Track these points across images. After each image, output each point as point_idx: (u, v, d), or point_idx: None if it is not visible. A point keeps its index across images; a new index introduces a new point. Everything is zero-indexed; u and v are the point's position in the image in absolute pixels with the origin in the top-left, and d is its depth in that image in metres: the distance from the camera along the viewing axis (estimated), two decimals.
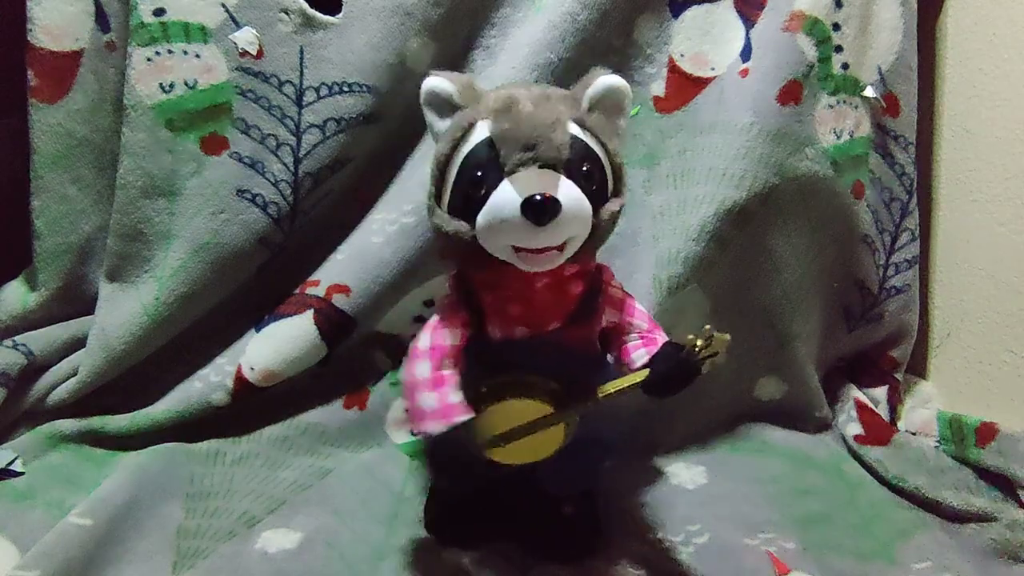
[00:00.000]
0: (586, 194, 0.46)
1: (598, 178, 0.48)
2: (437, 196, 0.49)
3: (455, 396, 0.48)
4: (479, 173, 0.46)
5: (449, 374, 0.49)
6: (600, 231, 0.49)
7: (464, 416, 0.47)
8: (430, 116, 0.50)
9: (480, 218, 0.46)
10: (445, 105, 0.49)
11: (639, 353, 0.52)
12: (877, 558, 0.60)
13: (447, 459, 0.48)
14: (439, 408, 0.48)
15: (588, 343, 0.54)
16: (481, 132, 0.47)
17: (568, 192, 0.45)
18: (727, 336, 0.48)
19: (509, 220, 0.44)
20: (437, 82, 0.49)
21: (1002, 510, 0.63)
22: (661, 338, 0.53)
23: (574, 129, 0.47)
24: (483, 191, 0.46)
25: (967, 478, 0.68)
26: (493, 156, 0.46)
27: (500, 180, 0.45)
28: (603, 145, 0.49)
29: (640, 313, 0.54)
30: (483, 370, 0.51)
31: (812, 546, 0.60)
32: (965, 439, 0.70)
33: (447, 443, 0.49)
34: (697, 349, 0.47)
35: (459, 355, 0.51)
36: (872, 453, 0.72)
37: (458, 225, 0.47)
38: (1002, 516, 0.62)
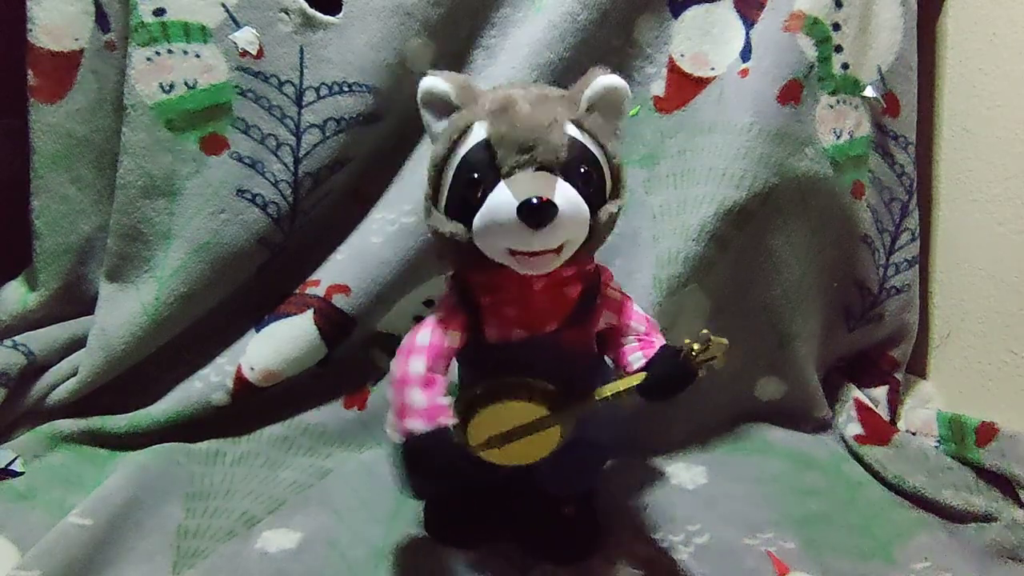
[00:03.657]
0: (584, 196, 0.46)
1: (596, 180, 0.48)
2: (434, 197, 0.49)
3: (444, 399, 0.48)
4: (475, 175, 0.46)
5: (440, 377, 0.49)
6: (598, 233, 0.48)
7: (450, 420, 0.47)
8: (427, 116, 0.50)
9: (477, 220, 0.46)
10: (442, 105, 0.49)
11: (636, 356, 0.52)
12: (877, 558, 0.60)
13: (426, 461, 0.48)
14: (428, 408, 0.47)
15: (585, 345, 0.53)
16: (478, 133, 0.46)
17: (565, 195, 0.44)
18: (724, 340, 0.48)
19: (505, 223, 0.44)
20: (434, 82, 0.48)
21: (1002, 510, 0.63)
22: (658, 341, 0.53)
23: (572, 130, 0.47)
24: (480, 193, 0.45)
25: (967, 478, 0.68)
26: (490, 158, 0.45)
27: (497, 182, 0.45)
28: (601, 147, 0.48)
29: (638, 316, 0.54)
30: (480, 372, 0.51)
31: (812, 546, 0.60)
32: (965, 439, 0.70)
33: (427, 444, 0.48)
34: (694, 353, 0.47)
35: (451, 359, 0.51)
36: (872, 453, 0.72)
37: (454, 227, 0.47)
38: (1002, 516, 0.62)
